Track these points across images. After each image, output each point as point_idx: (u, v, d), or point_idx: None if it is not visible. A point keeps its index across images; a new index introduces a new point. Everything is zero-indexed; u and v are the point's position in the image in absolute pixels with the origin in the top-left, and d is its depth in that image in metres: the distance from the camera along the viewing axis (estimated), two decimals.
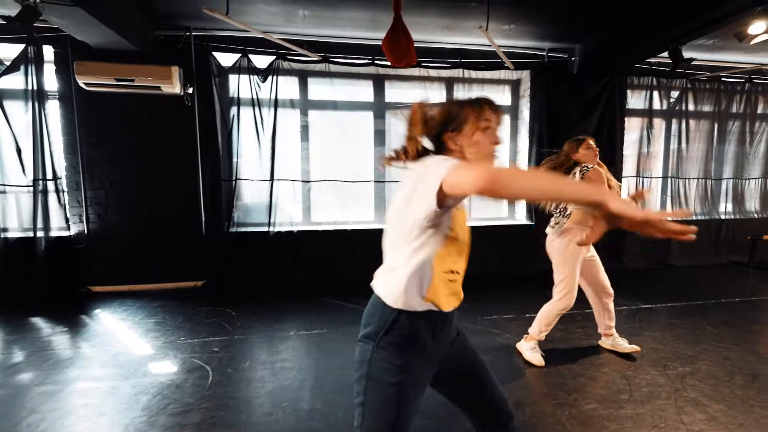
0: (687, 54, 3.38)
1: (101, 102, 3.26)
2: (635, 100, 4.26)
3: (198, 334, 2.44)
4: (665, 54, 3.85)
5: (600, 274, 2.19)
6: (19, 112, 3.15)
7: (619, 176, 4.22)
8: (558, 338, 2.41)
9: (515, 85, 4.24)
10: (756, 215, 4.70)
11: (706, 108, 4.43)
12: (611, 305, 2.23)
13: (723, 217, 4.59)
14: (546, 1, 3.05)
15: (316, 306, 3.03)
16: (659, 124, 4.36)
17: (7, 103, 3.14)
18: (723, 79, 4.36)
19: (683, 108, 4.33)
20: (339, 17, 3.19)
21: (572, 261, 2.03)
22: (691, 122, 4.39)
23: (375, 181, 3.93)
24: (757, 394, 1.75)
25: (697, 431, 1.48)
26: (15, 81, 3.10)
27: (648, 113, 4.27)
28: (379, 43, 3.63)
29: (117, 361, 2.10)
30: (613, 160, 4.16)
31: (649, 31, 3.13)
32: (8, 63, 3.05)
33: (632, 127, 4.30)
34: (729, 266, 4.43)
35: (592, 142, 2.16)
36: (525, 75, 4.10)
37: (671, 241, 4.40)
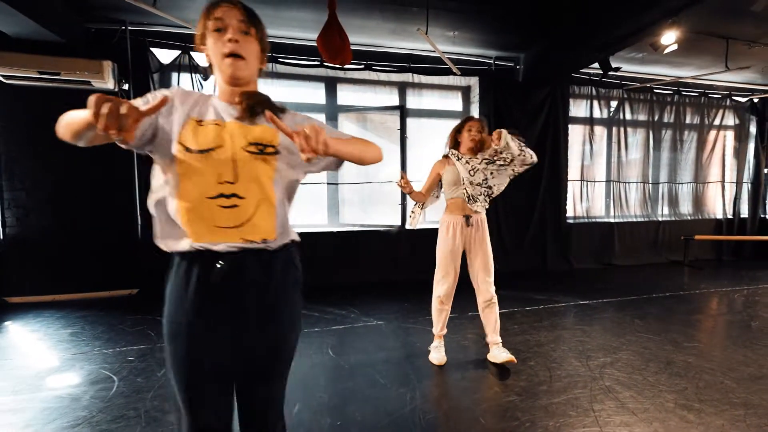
0: (620, 66, 3.62)
1: (23, 97, 3.03)
2: (577, 108, 4.50)
3: (115, 344, 2.26)
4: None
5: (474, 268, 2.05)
6: None
7: (564, 181, 4.42)
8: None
9: (466, 92, 4.37)
10: (689, 217, 5.04)
11: (641, 117, 4.74)
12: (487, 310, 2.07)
13: (660, 219, 4.89)
14: (486, 10, 3.18)
15: (312, 311, 2.90)
16: (600, 131, 4.62)
17: None
18: (655, 90, 4.70)
19: (621, 117, 4.62)
20: (282, 17, 3.16)
21: (440, 245, 2.07)
22: (629, 130, 4.68)
23: (328, 183, 3.87)
24: (667, 379, 1.82)
25: (605, 417, 1.50)
26: None
27: (590, 121, 4.52)
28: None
29: (11, 375, 1.88)
30: (557, 165, 4.35)
31: (578, 41, 3.31)
32: None
33: (575, 135, 4.53)
34: (667, 265, 4.70)
35: (473, 125, 2.05)
36: (473, 82, 4.23)
37: (615, 243, 4.63)
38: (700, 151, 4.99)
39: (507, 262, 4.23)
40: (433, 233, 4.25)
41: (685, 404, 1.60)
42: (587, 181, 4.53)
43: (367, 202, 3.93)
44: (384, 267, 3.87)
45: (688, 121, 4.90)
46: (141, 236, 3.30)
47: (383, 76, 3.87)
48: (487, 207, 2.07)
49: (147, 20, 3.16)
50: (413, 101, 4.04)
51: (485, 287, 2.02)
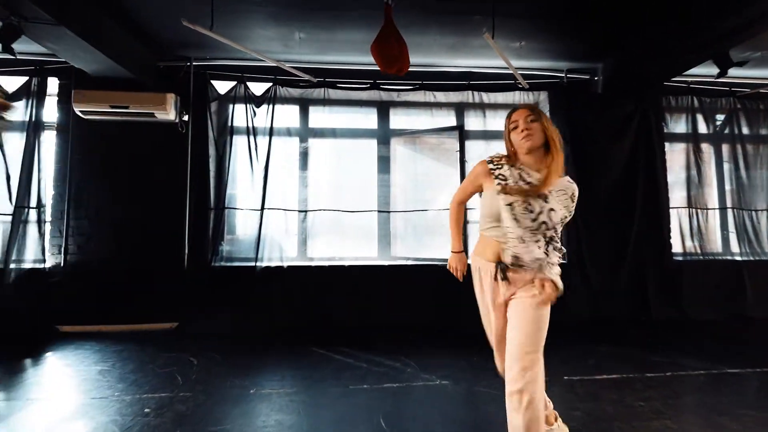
0: (746, 60, 2.92)
1: (97, 130, 3.21)
2: (675, 123, 3.75)
3: (138, 389, 1.97)
4: (700, 70, 3.46)
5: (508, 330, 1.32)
6: (15, 141, 3.13)
7: (665, 208, 3.58)
8: (612, 414, 1.71)
9: None
10: None
11: (764, 131, 3.82)
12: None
13: None
14: (560, 15, 2.79)
15: (296, 356, 2.50)
16: (707, 149, 3.78)
17: (7, 134, 3.14)
18: None
19: (735, 131, 3.76)
20: (337, 39, 3.06)
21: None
22: (748, 146, 3.77)
23: (378, 211, 3.53)
24: None
25: None
26: (16, 112, 3.13)
27: (692, 137, 3.72)
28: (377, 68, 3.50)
29: (24, 420, 1.65)
30: (655, 190, 3.57)
31: (672, 41, 2.73)
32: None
33: (675, 154, 3.74)
34: None
35: (518, 117, 1.28)
36: (542, 98, 3.76)
37: (746, 287, 3.56)
38: None
39: (597, 307, 3.40)
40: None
41: None
42: (697, 208, 3.63)
43: (422, 233, 3.49)
44: (444, 309, 3.29)
45: None
46: (187, 265, 3.17)
47: (440, 97, 3.57)
48: (550, 259, 1.24)
49: (209, 54, 3.27)
50: (473, 122, 3.65)
51: (515, 369, 1.19)
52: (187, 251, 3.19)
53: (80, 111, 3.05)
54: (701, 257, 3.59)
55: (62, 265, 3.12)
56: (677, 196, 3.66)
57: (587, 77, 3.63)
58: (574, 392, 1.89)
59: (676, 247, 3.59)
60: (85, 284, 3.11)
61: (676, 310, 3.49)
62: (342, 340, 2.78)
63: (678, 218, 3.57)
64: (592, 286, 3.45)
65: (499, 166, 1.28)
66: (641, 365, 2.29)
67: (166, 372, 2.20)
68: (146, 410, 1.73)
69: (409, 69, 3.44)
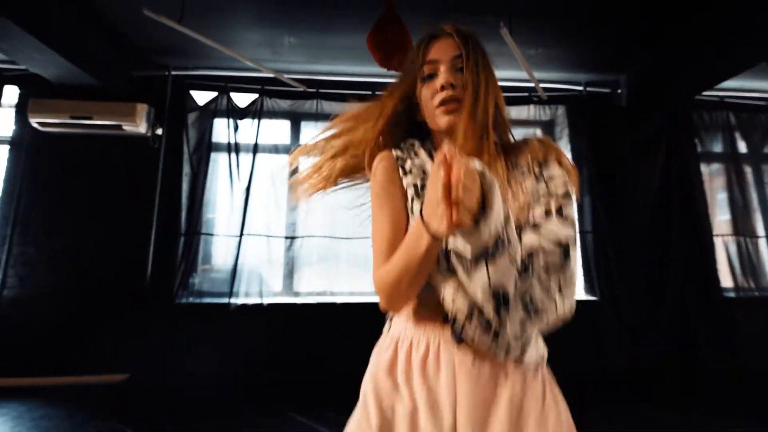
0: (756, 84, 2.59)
1: (55, 146, 2.81)
2: (709, 141, 3.36)
3: None
4: (734, 83, 3.13)
5: None
6: None
7: (707, 235, 3.11)
8: None
9: (547, 127, 3.53)
10: None
11: None
12: None
13: None
14: (580, 17, 2.48)
15: (268, 426, 1.93)
16: (748, 169, 3.36)
17: None
18: None
19: None
20: (330, 46, 2.74)
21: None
22: None
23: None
24: None
25: None
26: None
27: (731, 157, 3.31)
28: (381, 80, 3.17)
29: None
30: (694, 215, 3.11)
31: (708, 46, 2.39)
32: None
33: (713, 174, 3.33)
34: None
35: (438, 54, 0.67)
36: (560, 112, 3.40)
37: None
38: None
39: (632, 356, 2.84)
40: None
41: None
42: (745, 236, 3.15)
43: None
44: None
45: None
46: (148, 302, 2.65)
47: None
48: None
49: (190, 63, 2.94)
50: None
51: None
52: (148, 285, 2.68)
53: (37, 122, 2.67)
54: (756, 293, 3.07)
55: None
56: (719, 221, 3.20)
57: (607, 90, 3.28)
58: None
59: (726, 280, 3.08)
60: (25, 325, 2.58)
61: (731, 357, 2.92)
62: (331, 400, 2.21)
63: (724, 247, 3.08)
64: (625, 327, 2.90)
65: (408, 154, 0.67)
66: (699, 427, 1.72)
67: None
68: None
69: None
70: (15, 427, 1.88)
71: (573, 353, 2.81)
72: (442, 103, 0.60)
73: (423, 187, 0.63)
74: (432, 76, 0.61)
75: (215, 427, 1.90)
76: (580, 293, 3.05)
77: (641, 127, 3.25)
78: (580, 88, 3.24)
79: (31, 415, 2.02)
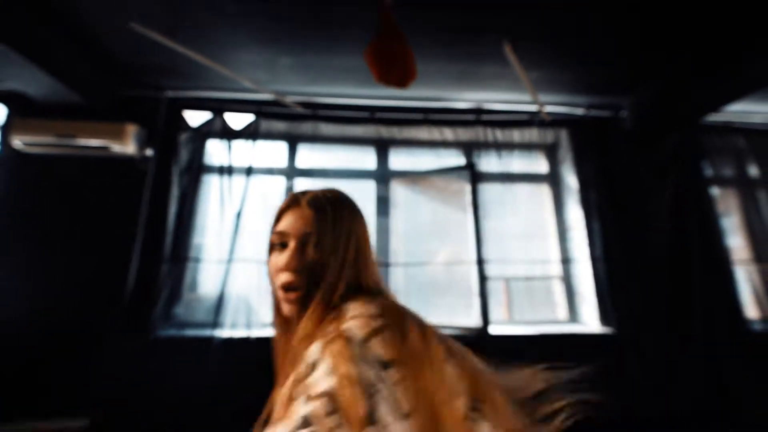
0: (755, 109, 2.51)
1: (38, 166, 2.68)
2: (720, 165, 3.25)
3: None
4: (742, 107, 3.08)
5: None
6: None
7: (727, 263, 2.92)
8: None
9: (550, 151, 3.44)
10: None
11: None
12: None
13: None
14: (583, 37, 2.43)
15: None
16: (762, 194, 3.24)
17: None
18: None
19: None
20: (327, 66, 2.68)
21: None
22: None
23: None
24: None
25: None
26: None
27: (744, 182, 3.20)
28: (379, 102, 3.11)
29: None
30: (712, 243, 2.94)
31: (722, 65, 2.33)
32: None
33: (727, 200, 3.20)
34: None
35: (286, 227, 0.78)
36: (563, 138, 3.32)
37: None
38: None
39: (659, 396, 2.57)
40: (529, 342, 2.63)
41: None
42: (765, 262, 2.97)
43: (428, 292, 2.79)
44: None
45: None
46: (120, 337, 2.41)
47: (447, 134, 3.13)
48: None
49: (183, 83, 2.87)
50: (486, 162, 3.15)
51: None
52: (124, 316, 2.45)
53: (21, 143, 2.56)
54: None
55: None
56: (737, 249, 3.03)
57: (609, 113, 3.22)
58: None
59: (751, 312, 2.86)
60: None
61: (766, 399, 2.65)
62: None
63: (749, 277, 2.90)
64: (649, 372, 2.65)
65: None
66: None
67: None
68: None
69: (411, 103, 3.06)
70: None
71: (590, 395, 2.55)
72: (284, 287, 0.54)
73: None
74: (284, 245, 0.56)
75: None
76: (595, 326, 2.82)
77: (647, 151, 3.15)
78: (582, 110, 3.17)
79: None
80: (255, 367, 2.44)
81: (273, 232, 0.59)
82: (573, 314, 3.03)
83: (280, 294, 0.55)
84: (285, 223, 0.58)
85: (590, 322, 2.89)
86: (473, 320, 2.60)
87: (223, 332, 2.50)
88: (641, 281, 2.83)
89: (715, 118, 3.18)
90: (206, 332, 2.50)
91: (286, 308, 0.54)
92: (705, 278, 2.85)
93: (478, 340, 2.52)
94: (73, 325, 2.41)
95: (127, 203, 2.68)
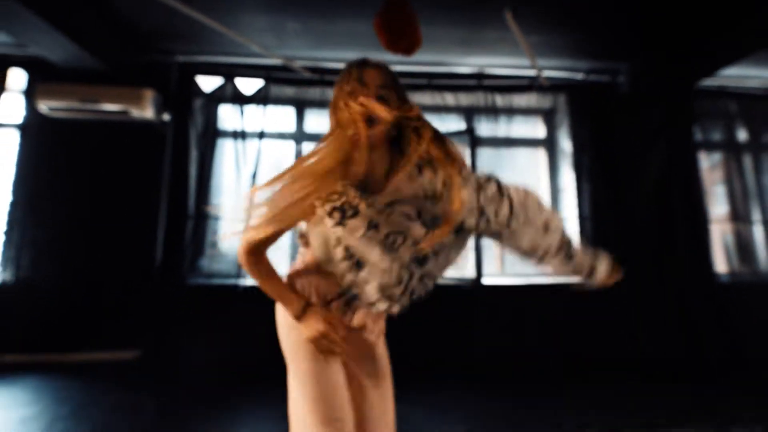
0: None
1: (64, 131, 2.86)
2: (710, 129, 3.39)
3: None
4: (737, 71, 3.16)
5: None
6: None
7: (705, 223, 3.16)
8: None
9: (548, 115, 3.57)
10: None
11: None
12: None
13: None
14: (581, 5, 2.49)
15: (282, 399, 2.02)
16: (747, 158, 3.40)
17: None
18: None
19: None
20: (334, 32, 2.76)
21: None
22: None
23: None
24: None
25: None
26: None
27: (731, 146, 3.35)
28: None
29: None
30: (695, 201, 3.16)
31: (724, 29, 2.41)
32: None
33: (712, 163, 3.37)
34: None
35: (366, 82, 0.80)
36: (560, 102, 3.43)
37: None
38: None
39: (633, 344, 2.91)
40: (519, 293, 2.99)
41: None
42: (743, 222, 3.21)
43: None
44: (450, 340, 2.81)
45: None
46: (157, 283, 2.72)
47: (449, 99, 3.24)
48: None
49: (195, 48, 2.97)
50: (486, 128, 3.29)
51: None
52: (158, 266, 2.76)
53: (46, 107, 2.72)
54: (749, 278, 3.13)
55: (14, 280, 2.68)
56: (718, 210, 3.25)
57: (608, 78, 3.31)
58: None
59: (723, 269, 3.15)
60: (35, 304, 2.66)
61: (728, 347, 2.98)
62: None
63: (723, 236, 3.15)
64: (628, 317, 2.98)
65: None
66: (722, 417, 1.80)
67: (111, 418, 1.73)
68: None
69: (415, 68, 3.16)
70: (36, 397, 1.97)
71: (570, 341, 2.90)
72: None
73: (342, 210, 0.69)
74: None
75: (226, 399, 1.99)
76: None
77: (642, 116, 3.28)
78: (581, 75, 3.26)
79: (51, 386, 2.11)
80: (272, 312, 2.78)
81: (348, 86, 0.73)
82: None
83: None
84: (368, 76, 0.74)
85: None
86: (468, 272, 2.90)
87: (246, 281, 2.80)
88: (624, 238, 3.08)
89: (709, 82, 3.27)
90: (230, 281, 2.81)
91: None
92: (683, 237, 3.10)
93: (472, 290, 2.83)
94: (115, 276, 2.72)
95: (150, 164, 2.88)
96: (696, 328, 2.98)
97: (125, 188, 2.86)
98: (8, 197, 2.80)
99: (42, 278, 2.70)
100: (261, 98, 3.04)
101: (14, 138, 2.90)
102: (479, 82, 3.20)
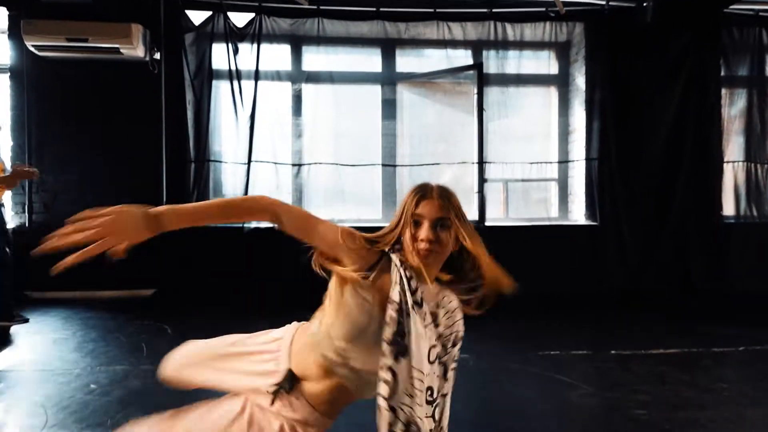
0: None
1: (56, 72, 2.76)
2: (736, 62, 3.14)
3: (93, 360, 1.65)
4: None
5: None
6: None
7: (718, 164, 3.05)
8: (692, 400, 1.32)
9: (562, 49, 3.32)
10: None
11: None
12: None
13: None
14: None
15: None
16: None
17: None
18: None
19: None
20: None
21: None
22: None
23: (383, 165, 3.08)
24: None
25: None
26: None
27: (756, 80, 3.12)
28: None
29: None
30: (707, 143, 3.03)
31: None
32: None
33: (736, 99, 3.17)
34: None
35: (424, 212, 0.70)
36: (576, 35, 3.18)
37: None
38: None
39: (632, 279, 2.98)
40: (520, 234, 3.03)
41: None
42: (756, 163, 3.10)
43: None
44: None
45: None
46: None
47: (456, 31, 3.01)
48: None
49: None
50: (495, 64, 3.08)
51: None
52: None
53: (33, 46, 2.60)
54: (757, 220, 3.10)
55: (27, 225, 2.78)
56: (733, 149, 3.13)
57: (632, 5, 3.02)
58: (631, 371, 1.51)
59: (729, 208, 3.10)
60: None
61: (718, 280, 3.04)
62: None
63: (734, 175, 3.06)
64: (628, 255, 3.01)
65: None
66: (703, 338, 1.89)
67: (132, 341, 1.88)
68: (92, 386, 1.40)
69: None
70: (66, 324, 2.13)
71: (573, 275, 2.98)
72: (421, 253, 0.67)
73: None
74: (417, 223, 0.69)
75: (235, 326, 2.12)
76: (581, 218, 3.12)
77: (666, 47, 3.04)
78: (603, 2, 2.98)
79: (78, 316, 2.28)
80: (278, 252, 2.87)
81: (412, 209, 0.70)
82: (564, 213, 3.31)
83: (415, 254, 0.69)
84: (422, 208, 0.69)
85: (579, 218, 3.18)
86: (471, 215, 2.91)
87: (251, 224, 2.86)
88: (633, 179, 3.02)
89: (739, 6, 2.97)
90: (236, 224, 2.86)
91: (418, 262, 0.68)
92: (691, 178, 3.02)
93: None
94: None
95: (147, 106, 2.81)
96: (689, 264, 3.01)
97: (124, 130, 2.82)
98: (9, 141, 2.79)
99: (55, 221, 2.77)
100: (254, 33, 2.86)
101: (5, 81, 2.82)
102: (490, 9, 2.95)
